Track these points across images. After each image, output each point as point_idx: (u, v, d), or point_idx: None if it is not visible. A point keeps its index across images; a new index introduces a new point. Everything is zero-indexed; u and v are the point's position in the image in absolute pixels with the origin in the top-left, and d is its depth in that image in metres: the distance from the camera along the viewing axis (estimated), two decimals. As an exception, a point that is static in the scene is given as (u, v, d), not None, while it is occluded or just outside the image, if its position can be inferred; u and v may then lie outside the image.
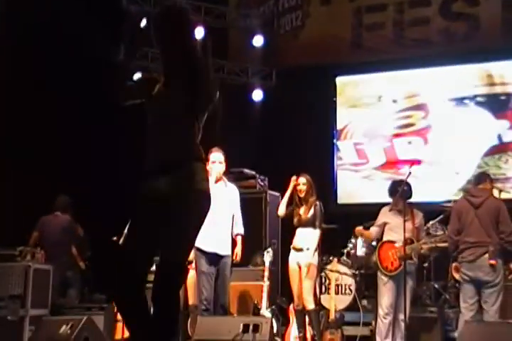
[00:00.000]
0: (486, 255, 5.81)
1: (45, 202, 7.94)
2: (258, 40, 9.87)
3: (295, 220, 6.72)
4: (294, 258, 6.64)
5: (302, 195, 6.70)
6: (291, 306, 6.72)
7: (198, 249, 6.07)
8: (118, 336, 6.70)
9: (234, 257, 6.26)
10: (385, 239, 6.41)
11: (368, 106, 9.75)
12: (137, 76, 10.62)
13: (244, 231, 6.45)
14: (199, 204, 3.29)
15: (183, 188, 3.21)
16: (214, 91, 3.34)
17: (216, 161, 6.26)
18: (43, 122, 8.49)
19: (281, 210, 6.76)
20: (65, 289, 7.75)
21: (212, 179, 6.13)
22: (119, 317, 6.86)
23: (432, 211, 7.31)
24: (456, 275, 6.19)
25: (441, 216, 7.45)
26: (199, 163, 3.33)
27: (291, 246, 6.70)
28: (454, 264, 6.13)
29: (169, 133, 3.29)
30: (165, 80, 3.42)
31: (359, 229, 6.81)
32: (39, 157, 8.34)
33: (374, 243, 7.10)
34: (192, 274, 6.53)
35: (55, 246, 7.57)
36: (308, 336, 6.50)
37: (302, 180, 6.74)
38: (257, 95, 9.97)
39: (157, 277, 3.21)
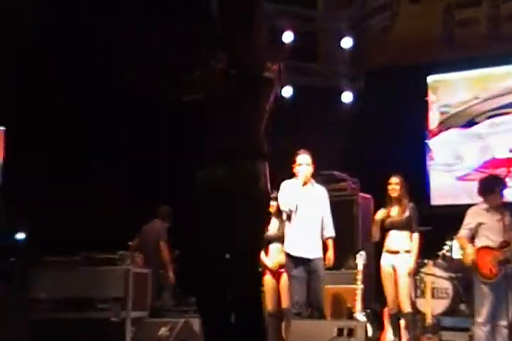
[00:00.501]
0: None
1: (147, 211, 8.30)
2: (347, 42, 9.83)
3: (387, 222, 6.64)
4: (388, 261, 6.58)
5: (395, 195, 6.63)
6: (385, 310, 6.67)
7: (287, 254, 6.14)
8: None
9: (326, 261, 6.27)
10: (480, 241, 6.19)
11: (462, 105, 9.52)
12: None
13: (335, 234, 6.44)
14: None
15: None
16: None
17: (303, 163, 6.27)
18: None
19: (376, 235, 6.69)
20: (159, 292, 7.98)
21: (299, 182, 6.17)
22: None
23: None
24: None
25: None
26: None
27: (385, 249, 6.63)
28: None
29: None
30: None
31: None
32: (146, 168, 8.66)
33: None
34: (286, 278, 6.60)
35: (150, 251, 7.84)
36: (404, 340, 6.42)
37: (395, 180, 6.67)
38: (347, 97, 9.93)
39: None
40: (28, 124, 8.23)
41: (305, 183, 6.26)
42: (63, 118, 8.60)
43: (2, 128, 7.45)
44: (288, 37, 9.81)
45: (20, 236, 10.04)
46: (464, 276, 7.36)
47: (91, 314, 6.64)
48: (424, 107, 9.64)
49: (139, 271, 6.96)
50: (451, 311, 7.21)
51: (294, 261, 6.13)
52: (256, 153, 3.19)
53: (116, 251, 6.94)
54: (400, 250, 6.49)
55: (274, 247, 6.74)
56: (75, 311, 6.66)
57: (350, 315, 6.49)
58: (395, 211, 6.63)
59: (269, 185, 3.23)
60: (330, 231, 6.38)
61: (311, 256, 6.16)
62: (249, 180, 3.11)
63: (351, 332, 5.67)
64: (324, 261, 6.26)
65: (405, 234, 6.54)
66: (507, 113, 9.21)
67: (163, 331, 6.14)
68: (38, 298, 6.75)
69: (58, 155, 8.59)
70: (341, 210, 7.18)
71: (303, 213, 6.14)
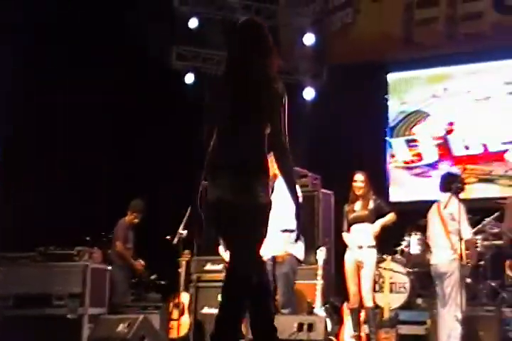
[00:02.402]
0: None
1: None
2: (309, 39, 9.85)
3: (351, 217, 6.68)
4: (351, 255, 6.61)
5: (359, 193, 6.67)
6: (344, 305, 6.71)
7: None
8: (173, 335, 6.80)
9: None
10: None
11: (421, 103, 9.63)
12: (189, 77, 10.80)
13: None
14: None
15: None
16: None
17: None
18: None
19: (345, 227, 6.74)
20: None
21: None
22: (174, 316, 6.98)
23: (486, 208, 7.22)
24: (510, 273, 6.07)
25: (496, 213, 7.33)
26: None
27: (348, 244, 6.66)
28: (508, 262, 6.00)
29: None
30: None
31: None
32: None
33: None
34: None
35: (113, 246, 7.73)
36: (363, 335, 6.47)
37: (360, 177, 6.71)
38: (309, 93, 9.96)
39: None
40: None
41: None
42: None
43: None
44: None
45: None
46: (421, 271, 7.46)
47: (47, 311, 6.53)
48: (384, 105, 9.72)
49: (98, 267, 6.88)
50: (408, 305, 7.30)
51: None
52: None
53: (74, 247, 6.84)
54: (363, 245, 6.53)
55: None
56: (30, 308, 6.54)
57: (310, 310, 6.52)
58: (358, 206, 6.68)
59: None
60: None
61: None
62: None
63: (311, 327, 5.71)
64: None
65: (369, 228, 6.58)
66: (463, 112, 9.35)
67: (121, 327, 6.08)
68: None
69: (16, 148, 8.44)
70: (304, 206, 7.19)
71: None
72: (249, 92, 3.50)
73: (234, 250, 3.43)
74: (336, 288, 7.34)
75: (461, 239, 6.06)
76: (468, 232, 6.12)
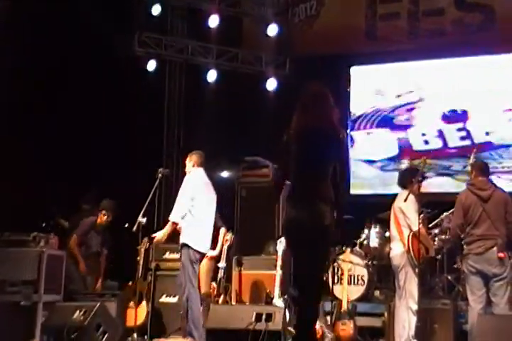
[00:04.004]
0: (495, 248, 5.81)
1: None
2: (272, 29, 9.81)
3: None
4: None
5: None
6: (303, 296, 6.70)
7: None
8: (130, 323, 6.72)
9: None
10: None
11: (383, 97, 9.69)
12: (151, 64, 10.68)
13: (256, 220, 6.47)
14: None
15: None
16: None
17: None
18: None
19: None
20: None
21: None
22: (131, 304, 6.90)
23: (444, 202, 7.29)
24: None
25: (453, 208, 7.41)
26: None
27: None
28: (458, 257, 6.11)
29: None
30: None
31: None
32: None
33: (387, 234, 7.08)
34: (204, 262, 6.56)
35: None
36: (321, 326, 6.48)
37: None
38: (271, 84, 9.93)
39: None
40: None
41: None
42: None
43: None
44: (214, 21, 9.72)
45: None
46: (379, 264, 7.52)
47: (1, 297, 6.33)
48: (346, 98, 9.75)
49: (54, 253, 6.69)
50: (366, 297, 7.35)
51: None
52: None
53: (29, 233, 6.66)
54: None
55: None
56: (-16, 294, 6.36)
57: (269, 301, 6.51)
58: None
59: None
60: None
61: None
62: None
63: (270, 317, 5.69)
64: None
65: None
66: (423, 106, 9.45)
67: (77, 315, 5.95)
68: None
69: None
70: (263, 196, 7.19)
71: None
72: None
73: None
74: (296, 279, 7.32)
75: (411, 231, 6.13)
76: (415, 225, 6.14)
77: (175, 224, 6.08)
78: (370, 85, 9.77)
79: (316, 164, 4.30)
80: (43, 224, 7.21)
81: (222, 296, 7.04)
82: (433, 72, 9.43)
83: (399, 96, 9.53)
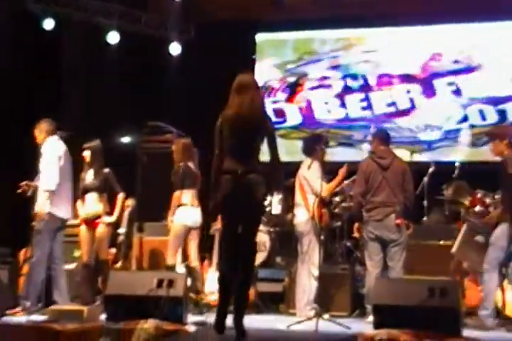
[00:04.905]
0: (393, 215, 5.96)
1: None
2: (177, -7, 9.58)
3: None
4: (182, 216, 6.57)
5: None
6: (204, 263, 6.69)
7: None
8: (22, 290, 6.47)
9: None
10: None
11: (287, 65, 9.70)
12: (49, 22, 10.03)
13: (157, 187, 6.37)
14: None
15: None
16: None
17: None
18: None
19: None
20: None
21: None
22: (23, 271, 6.66)
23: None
24: (357, 235, 6.31)
25: (354, 176, 7.53)
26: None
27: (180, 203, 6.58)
28: (356, 224, 6.23)
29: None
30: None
31: None
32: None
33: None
34: (101, 229, 6.42)
35: None
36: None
37: None
38: (175, 49, 9.72)
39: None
40: None
41: None
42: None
43: None
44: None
45: None
46: (281, 230, 7.57)
47: None
48: (251, 65, 9.68)
49: None
50: (267, 263, 7.40)
51: None
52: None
53: None
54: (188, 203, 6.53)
55: (90, 197, 6.52)
56: None
57: (168, 267, 6.42)
58: None
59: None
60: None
61: None
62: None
63: (171, 283, 5.61)
64: None
65: None
66: (327, 77, 9.52)
67: (-34, 281, 5.69)
68: None
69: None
70: (166, 162, 7.05)
71: None
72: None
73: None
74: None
75: (317, 197, 6.20)
76: (319, 192, 6.21)
77: (52, 192, 6.07)
78: (276, 52, 9.76)
79: (247, 147, 4.65)
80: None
81: (120, 262, 6.92)
82: (336, 42, 9.50)
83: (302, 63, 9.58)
